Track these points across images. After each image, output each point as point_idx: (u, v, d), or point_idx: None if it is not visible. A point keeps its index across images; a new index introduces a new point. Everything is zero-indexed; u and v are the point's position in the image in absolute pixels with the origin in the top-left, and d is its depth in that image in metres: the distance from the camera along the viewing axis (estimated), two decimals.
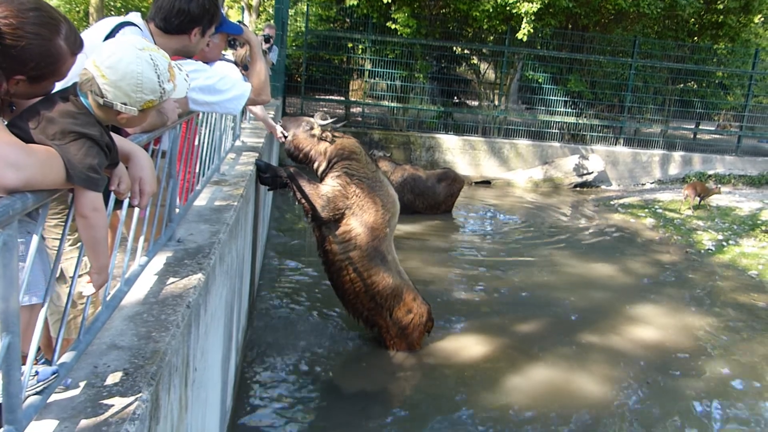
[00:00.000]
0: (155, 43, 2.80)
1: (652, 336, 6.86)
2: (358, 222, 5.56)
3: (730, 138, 18.93)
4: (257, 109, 6.26)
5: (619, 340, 6.69)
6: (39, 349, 1.66)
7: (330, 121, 5.80)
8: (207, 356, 3.01)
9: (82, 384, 1.79)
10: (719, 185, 13.74)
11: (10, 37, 1.48)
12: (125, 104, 1.73)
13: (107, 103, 1.71)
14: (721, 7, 16.19)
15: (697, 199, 12.77)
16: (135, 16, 2.87)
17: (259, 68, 3.48)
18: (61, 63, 1.62)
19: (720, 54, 18.05)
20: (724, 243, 10.69)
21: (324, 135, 5.77)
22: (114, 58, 1.71)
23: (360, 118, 16.61)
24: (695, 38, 17.82)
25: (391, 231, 5.81)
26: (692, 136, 19.14)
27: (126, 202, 2.04)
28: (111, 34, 2.67)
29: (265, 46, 9.24)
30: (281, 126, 6.00)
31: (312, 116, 5.91)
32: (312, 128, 5.79)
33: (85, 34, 2.47)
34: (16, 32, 1.49)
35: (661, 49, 17.31)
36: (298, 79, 16.83)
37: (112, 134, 1.82)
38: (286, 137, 5.89)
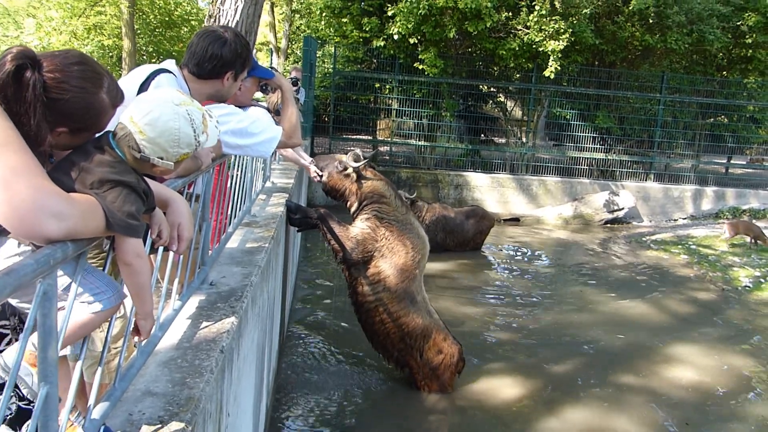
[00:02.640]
0: (189, 89, 2.87)
1: (691, 376, 6.66)
2: (388, 264, 5.53)
3: (764, 172, 18.59)
4: (287, 151, 6.32)
5: (657, 380, 6.49)
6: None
7: (362, 162, 5.79)
8: (239, 400, 2.99)
9: None
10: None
11: (55, 90, 1.52)
12: (161, 158, 1.75)
13: (144, 158, 1.73)
14: (749, 41, 16.05)
15: (741, 237, 12.43)
16: (170, 63, 2.92)
17: (291, 112, 3.52)
18: (103, 116, 1.66)
19: (750, 88, 17.84)
20: (762, 279, 10.39)
21: (355, 176, 5.79)
22: (152, 116, 1.73)
23: (387, 157, 16.71)
24: (724, 72, 17.67)
25: (420, 272, 5.77)
26: (724, 170, 18.84)
27: (160, 247, 2.05)
28: (146, 81, 2.73)
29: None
30: (314, 164, 6.03)
31: (346, 154, 5.92)
32: (345, 168, 5.82)
33: (121, 82, 2.52)
34: (62, 86, 1.53)
35: (690, 84, 17.18)
36: (326, 120, 17.04)
37: (149, 180, 1.84)
38: (320, 176, 5.93)
